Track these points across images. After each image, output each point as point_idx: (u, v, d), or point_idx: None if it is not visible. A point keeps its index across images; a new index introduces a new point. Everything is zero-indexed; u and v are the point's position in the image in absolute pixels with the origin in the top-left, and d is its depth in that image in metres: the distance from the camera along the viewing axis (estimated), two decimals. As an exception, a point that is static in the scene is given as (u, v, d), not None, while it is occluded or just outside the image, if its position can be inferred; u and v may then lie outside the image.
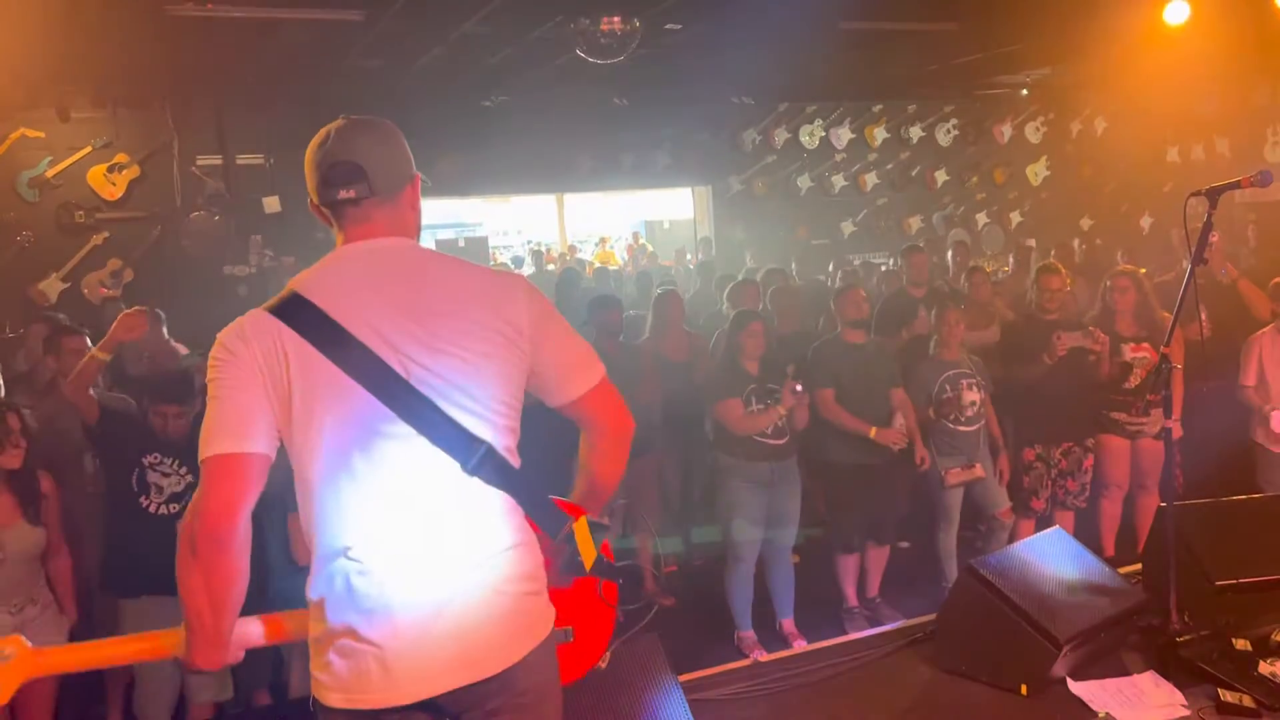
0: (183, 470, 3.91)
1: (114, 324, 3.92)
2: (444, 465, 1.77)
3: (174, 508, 3.84)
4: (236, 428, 1.69)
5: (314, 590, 1.79)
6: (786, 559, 4.94)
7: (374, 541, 1.74)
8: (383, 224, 1.86)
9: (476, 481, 1.79)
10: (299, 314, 1.74)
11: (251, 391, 1.71)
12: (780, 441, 4.71)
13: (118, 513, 3.92)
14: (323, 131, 1.86)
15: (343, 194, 1.82)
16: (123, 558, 3.86)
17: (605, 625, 2.17)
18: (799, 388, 4.66)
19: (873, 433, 4.78)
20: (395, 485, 1.75)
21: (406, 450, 1.75)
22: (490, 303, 1.84)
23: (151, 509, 3.85)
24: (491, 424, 1.81)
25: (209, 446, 1.69)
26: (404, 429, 1.74)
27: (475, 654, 1.77)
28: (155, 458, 3.88)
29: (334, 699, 1.76)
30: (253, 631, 1.91)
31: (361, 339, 1.73)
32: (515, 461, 1.87)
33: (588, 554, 1.98)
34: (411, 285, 1.81)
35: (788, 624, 4.93)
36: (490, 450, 1.79)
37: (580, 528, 1.98)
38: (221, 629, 1.76)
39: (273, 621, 1.93)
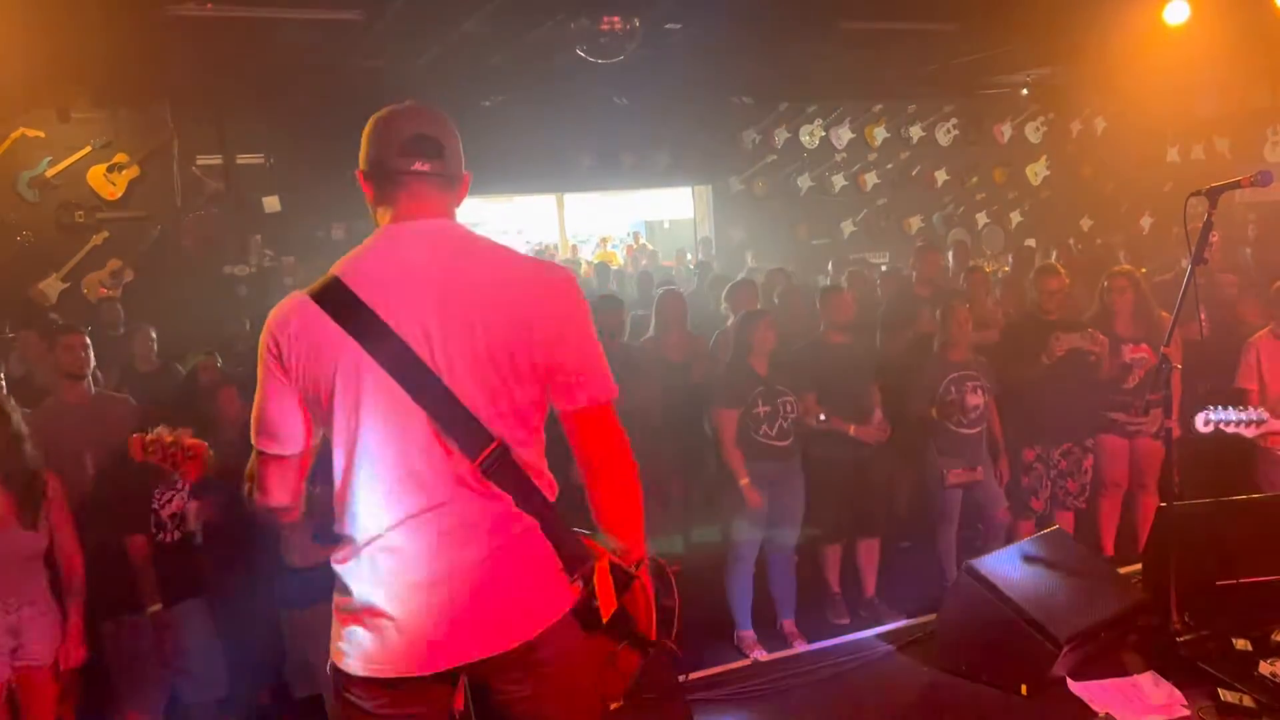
0: (178, 484, 3.90)
1: None
2: (458, 456, 1.80)
3: (180, 529, 3.90)
4: (278, 432, 1.85)
5: (340, 566, 1.86)
6: (789, 559, 4.94)
7: (394, 523, 1.80)
8: (437, 206, 1.89)
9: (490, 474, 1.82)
10: (339, 302, 1.78)
11: (290, 395, 1.82)
12: (784, 443, 4.71)
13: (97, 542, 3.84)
14: (392, 108, 1.91)
15: (418, 165, 1.85)
16: (117, 586, 3.83)
17: (612, 687, 2.05)
18: (823, 416, 4.80)
19: (851, 429, 4.89)
20: (414, 472, 1.80)
21: (421, 440, 1.79)
22: (528, 297, 1.83)
23: (165, 539, 3.88)
24: (509, 422, 1.82)
25: (257, 438, 1.87)
26: (422, 418, 1.78)
27: (489, 630, 1.81)
28: (160, 492, 3.88)
29: (354, 666, 1.83)
30: None
31: (396, 328, 1.77)
32: (539, 466, 1.87)
33: (606, 603, 1.89)
34: (453, 272, 1.82)
35: (789, 624, 4.93)
36: (504, 450, 1.80)
37: (601, 570, 1.89)
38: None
39: None
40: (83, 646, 3.62)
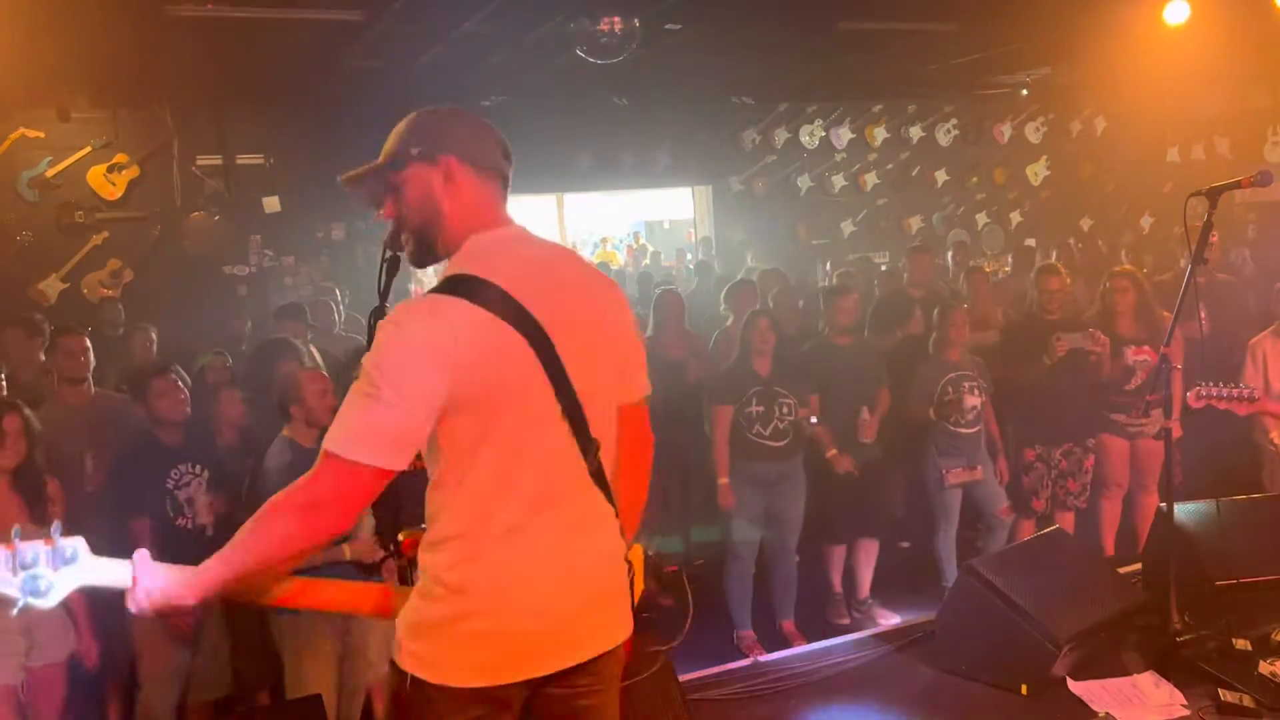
0: (197, 469, 3.90)
1: None
2: (576, 456, 1.82)
3: (207, 517, 3.87)
4: (399, 443, 1.67)
5: (454, 571, 1.77)
6: (788, 560, 4.94)
7: (522, 522, 1.77)
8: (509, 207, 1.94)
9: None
10: (504, 304, 1.72)
11: (436, 394, 1.67)
12: (781, 444, 4.72)
13: (151, 540, 3.77)
14: (457, 109, 1.90)
15: (509, 170, 1.91)
16: None
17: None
18: (814, 419, 4.81)
19: (831, 453, 4.90)
20: (547, 472, 1.80)
21: (557, 438, 1.80)
22: (611, 301, 1.96)
23: (187, 526, 3.85)
24: (603, 427, 1.87)
25: (361, 449, 1.63)
26: (558, 417, 1.79)
27: (607, 628, 1.90)
28: (176, 474, 3.86)
29: (463, 677, 1.76)
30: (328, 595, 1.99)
31: (541, 322, 1.75)
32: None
33: (639, 586, 2.06)
34: (565, 275, 1.88)
35: (788, 625, 4.93)
36: (598, 452, 1.86)
37: (636, 556, 2.05)
38: (239, 586, 1.76)
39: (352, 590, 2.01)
40: (95, 641, 3.65)
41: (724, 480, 4.70)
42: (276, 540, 1.67)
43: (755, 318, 4.86)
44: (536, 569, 1.79)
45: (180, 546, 3.68)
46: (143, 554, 1.73)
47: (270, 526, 1.67)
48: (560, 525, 1.81)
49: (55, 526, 1.68)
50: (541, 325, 1.74)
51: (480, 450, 1.74)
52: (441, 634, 1.78)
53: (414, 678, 1.78)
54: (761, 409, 4.69)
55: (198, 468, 3.92)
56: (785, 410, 4.71)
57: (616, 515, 1.93)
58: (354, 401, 1.65)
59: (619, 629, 1.93)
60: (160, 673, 3.82)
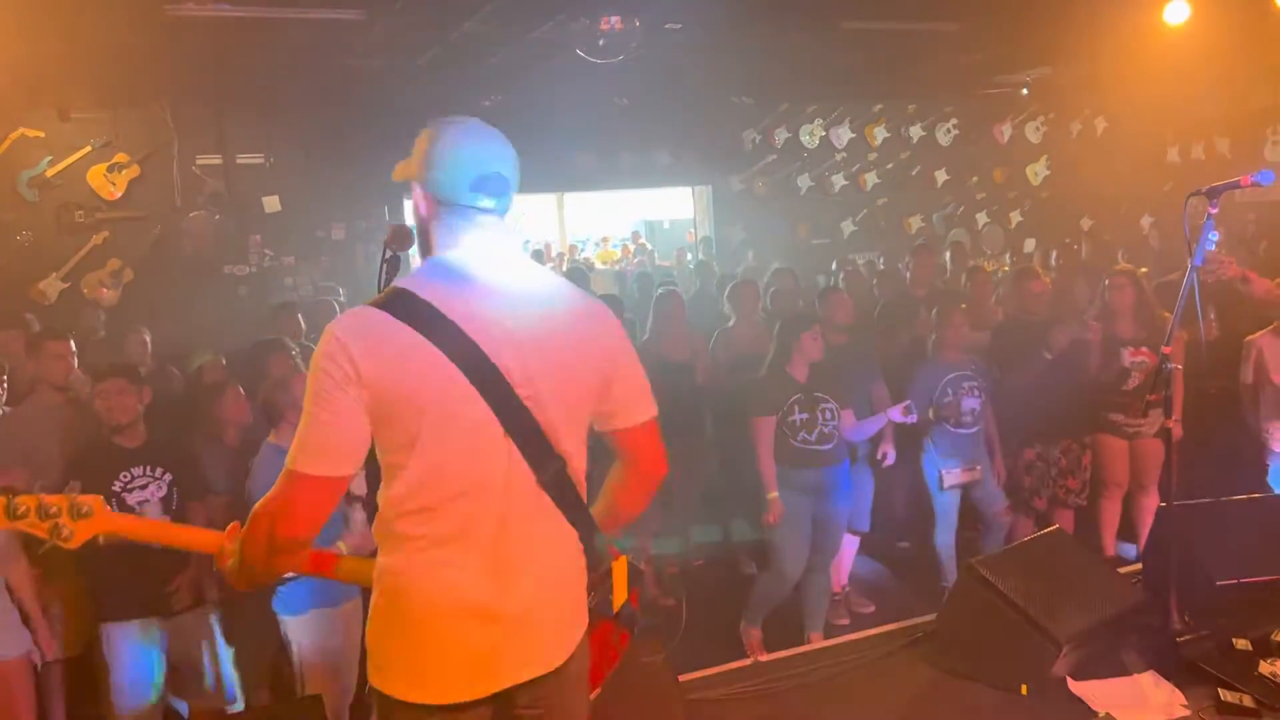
0: (157, 472, 3.78)
1: None
2: (525, 469, 1.82)
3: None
4: (337, 451, 1.73)
5: (394, 577, 1.82)
6: (826, 568, 4.78)
7: (460, 535, 1.79)
8: (494, 233, 1.90)
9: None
10: (422, 314, 1.74)
11: (361, 411, 1.72)
12: (828, 446, 4.58)
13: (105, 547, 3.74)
14: (461, 127, 1.87)
15: (486, 203, 1.87)
16: (115, 585, 3.68)
17: (607, 665, 2.21)
18: (903, 407, 4.71)
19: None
20: (480, 486, 1.79)
21: (497, 451, 1.79)
22: (588, 330, 1.93)
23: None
24: (574, 438, 1.89)
25: (305, 462, 1.72)
26: (498, 430, 1.79)
27: (550, 645, 1.89)
28: (126, 477, 3.71)
29: (414, 694, 1.80)
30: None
31: (478, 340, 1.75)
32: (583, 488, 1.93)
33: (619, 597, 2.09)
34: (524, 294, 1.86)
35: (815, 639, 4.68)
36: (562, 467, 1.86)
37: (619, 568, 2.08)
38: (266, 584, 1.92)
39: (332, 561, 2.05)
40: (51, 639, 3.66)
41: (773, 494, 4.49)
42: (259, 544, 1.76)
43: (799, 325, 4.64)
44: (463, 586, 1.79)
45: (128, 555, 3.40)
46: (234, 525, 1.94)
47: (251, 531, 1.78)
48: (495, 543, 1.80)
49: (72, 485, 1.85)
50: (475, 342, 1.74)
51: (408, 461, 1.77)
52: (385, 645, 1.84)
53: (373, 688, 1.86)
54: (805, 416, 4.55)
55: (158, 471, 3.78)
56: (829, 415, 4.58)
57: (586, 527, 1.92)
58: (302, 418, 1.75)
59: (569, 641, 1.91)
60: (127, 680, 3.76)
